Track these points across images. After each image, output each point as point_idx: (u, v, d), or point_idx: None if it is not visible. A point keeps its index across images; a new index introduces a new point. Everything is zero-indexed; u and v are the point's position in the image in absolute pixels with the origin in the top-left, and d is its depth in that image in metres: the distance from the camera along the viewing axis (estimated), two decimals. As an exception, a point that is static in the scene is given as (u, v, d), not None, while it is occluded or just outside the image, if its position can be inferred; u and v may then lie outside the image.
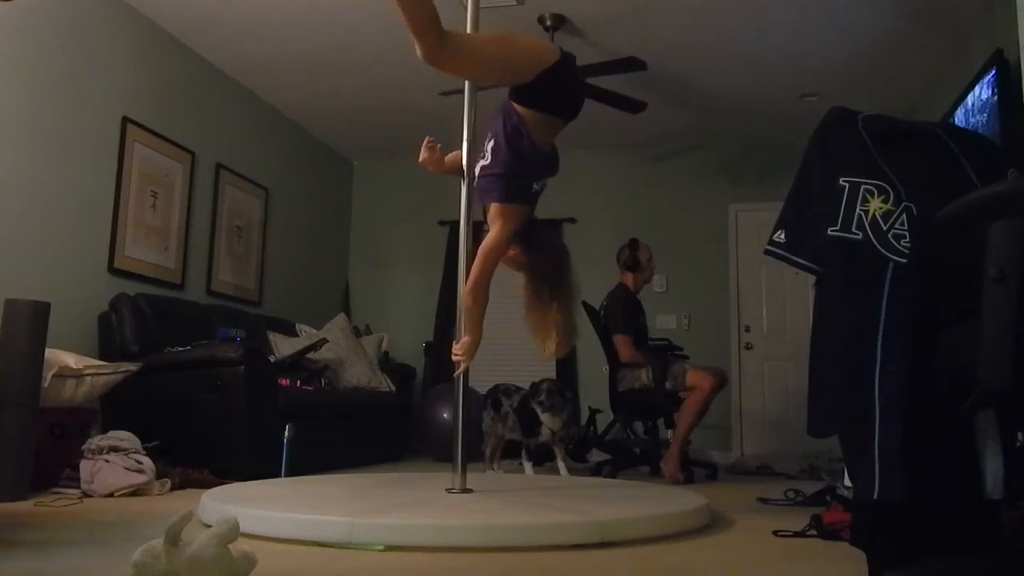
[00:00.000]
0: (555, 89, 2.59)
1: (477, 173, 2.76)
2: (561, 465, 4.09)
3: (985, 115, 3.57)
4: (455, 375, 2.87)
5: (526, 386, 4.25)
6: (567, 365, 6.24)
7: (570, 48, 4.40)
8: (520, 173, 2.66)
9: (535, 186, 2.75)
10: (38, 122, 3.78)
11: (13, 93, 3.65)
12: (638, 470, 4.61)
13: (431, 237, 6.66)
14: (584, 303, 4.98)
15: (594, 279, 5.66)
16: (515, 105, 2.62)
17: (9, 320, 3.04)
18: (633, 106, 4.77)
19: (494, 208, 2.68)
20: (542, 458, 4.30)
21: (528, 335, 2.84)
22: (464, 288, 2.79)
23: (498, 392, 4.28)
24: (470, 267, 2.85)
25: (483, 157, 2.73)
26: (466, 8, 2.98)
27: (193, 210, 4.91)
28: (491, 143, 2.69)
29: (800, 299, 5.88)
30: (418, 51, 2.33)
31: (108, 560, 1.92)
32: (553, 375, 6.23)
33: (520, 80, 2.56)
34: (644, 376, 4.44)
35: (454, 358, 2.83)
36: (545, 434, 4.06)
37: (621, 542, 2.22)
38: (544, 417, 4.00)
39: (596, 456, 5.25)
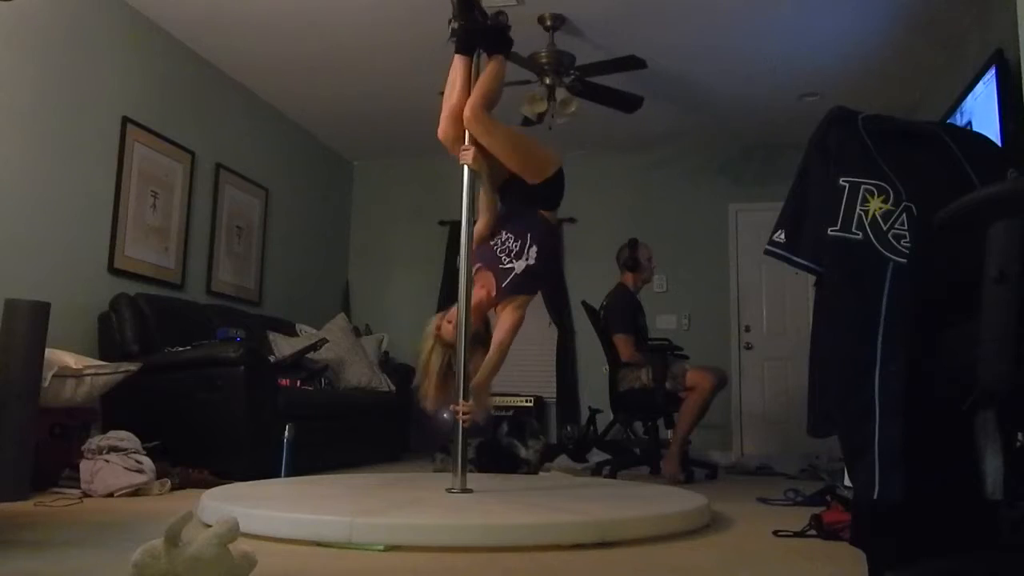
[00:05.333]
0: (559, 189, 3.05)
1: (518, 270, 2.93)
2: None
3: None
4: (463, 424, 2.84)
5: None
6: (567, 365, 6.24)
7: (570, 48, 4.47)
8: None
9: None
10: (38, 122, 3.78)
11: (14, 93, 3.65)
12: (638, 470, 4.61)
13: (431, 237, 6.66)
14: (584, 303, 5.00)
15: (594, 279, 5.68)
16: (543, 213, 3.02)
17: (9, 320, 3.04)
18: (629, 104, 4.74)
19: (523, 299, 2.95)
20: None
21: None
22: (482, 370, 2.89)
23: None
24: (470, 268, 2.87)
25: (526, 258, 2.92)
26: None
27: (193, 210, 4.91)
28: (533, 248, 2.92)
29: (800, 299, 5.88)
30: (466, 110, 2.86)
31: (108, 560, 1.92)
32: (552, 377, 6.25)
33: (528, 174, 2.95)
34: (644, 376, 4.43)
35: (463, 418, 2.81)
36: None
37: (621, 542, 2.22)
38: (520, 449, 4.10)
39: (596, 456, 5.24)
